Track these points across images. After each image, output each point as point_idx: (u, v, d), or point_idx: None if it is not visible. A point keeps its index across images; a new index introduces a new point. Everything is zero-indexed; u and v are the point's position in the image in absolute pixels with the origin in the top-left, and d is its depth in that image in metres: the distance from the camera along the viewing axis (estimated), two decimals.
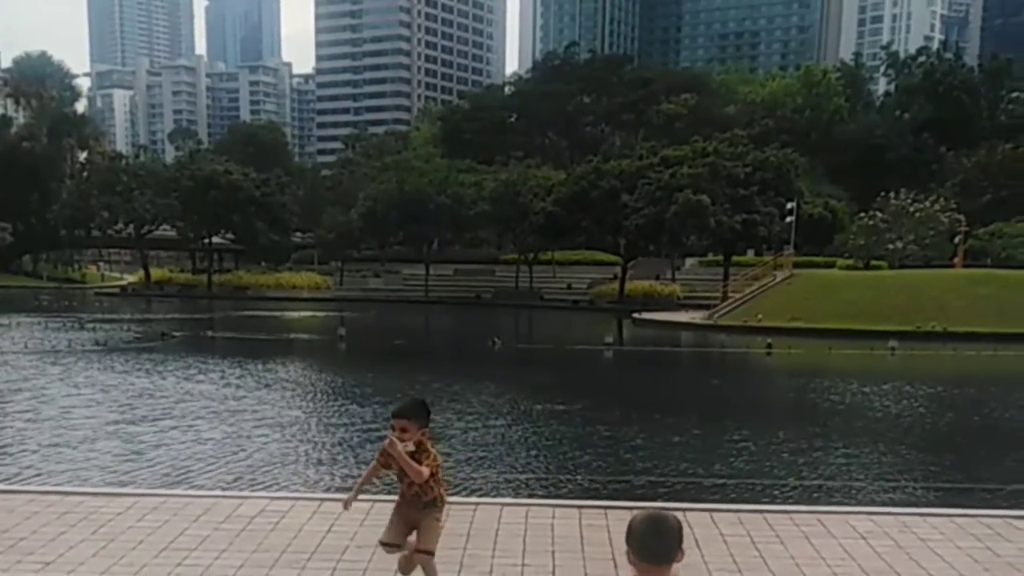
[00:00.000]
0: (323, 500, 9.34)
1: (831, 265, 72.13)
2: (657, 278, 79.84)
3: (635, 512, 3.58)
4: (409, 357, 39.14)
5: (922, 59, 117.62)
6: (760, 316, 51.67)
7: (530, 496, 12.28)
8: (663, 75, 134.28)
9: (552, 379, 30.57)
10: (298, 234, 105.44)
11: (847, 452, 17.33)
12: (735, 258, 75.81)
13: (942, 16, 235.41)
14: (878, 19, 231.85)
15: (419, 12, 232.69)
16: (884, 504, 12.03)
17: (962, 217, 67.16)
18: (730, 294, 62.66)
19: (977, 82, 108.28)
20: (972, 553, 7.52)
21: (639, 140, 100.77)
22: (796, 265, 62.46)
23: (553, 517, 8.47)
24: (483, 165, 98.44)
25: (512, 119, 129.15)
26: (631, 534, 3.42)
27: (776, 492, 13.49)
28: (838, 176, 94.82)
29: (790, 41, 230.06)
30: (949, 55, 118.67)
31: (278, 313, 64.58)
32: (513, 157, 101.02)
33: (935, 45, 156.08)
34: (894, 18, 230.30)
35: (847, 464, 16.24)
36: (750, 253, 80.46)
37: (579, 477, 14.41)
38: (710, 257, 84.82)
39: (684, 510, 8.67)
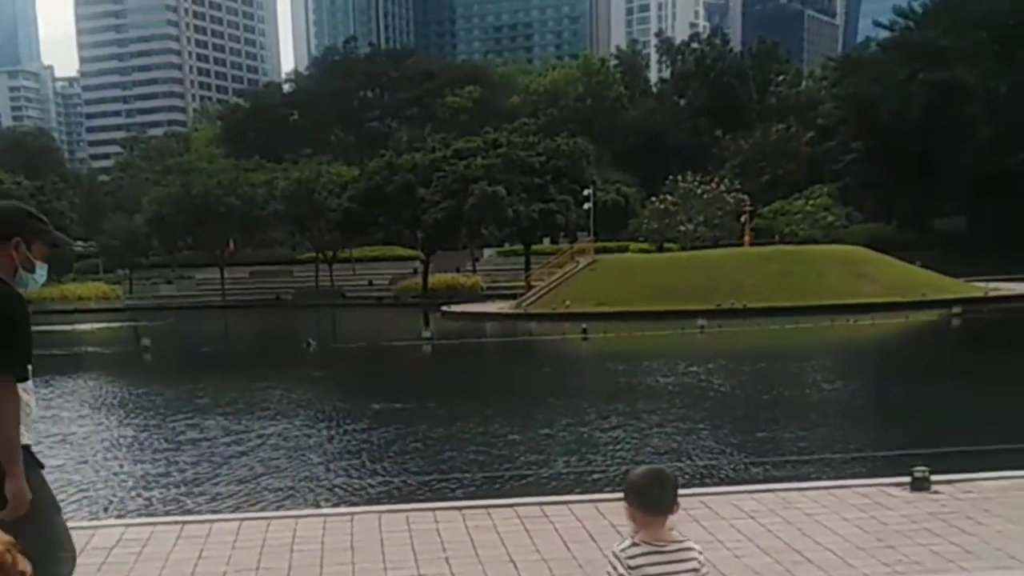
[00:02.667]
0: (185, 523, 8.53)
1: (625, 249, 73.98)
2: (458, 270, 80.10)
3: (631, 471, 3.78)
4: (227, 364, 37.72)
5: (694, 46, 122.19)
6: (568, 302, 52.37)
7: (409, 501, 11.78)
8: (445, 68, 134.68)
9: (380, 377, 30.03)
10: (80, 243, 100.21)
11: (716, 432, 17.51)
12: (533, 247, 76.78)
13: (705, 3, 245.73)
14: (645, 7, 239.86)
15: (186, 11, 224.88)
16: (758, 481, 12.13)
17: (746, 197, 70.26)
18: (533, 283, 63.34)
19: (746, 67, 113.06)
20: (860, 524, 7.61)
21: (427, 134, 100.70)
22: (595, 251, 63.75)
23: (436, 521, 8.13)
24: (272, 163, 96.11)
25: (295, 117, 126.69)
26: (632, 490, 3.64)
27: None
28: (623, 162, 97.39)
29: (563, 31, 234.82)
30: (718, 41, 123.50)
31: (67, 327, 60.91)
32: (302, 155, 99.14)
33: (700, 31, 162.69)
34: (660, 6, 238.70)
35: (719, 445, 16.46)
36: (546, 241, 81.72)
37: (458, 476, 14.01)
38: (507, 247, 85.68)
39: (572, 502, 8.69)
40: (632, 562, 3.57)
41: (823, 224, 68.74)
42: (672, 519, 3.66)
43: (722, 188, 71.58)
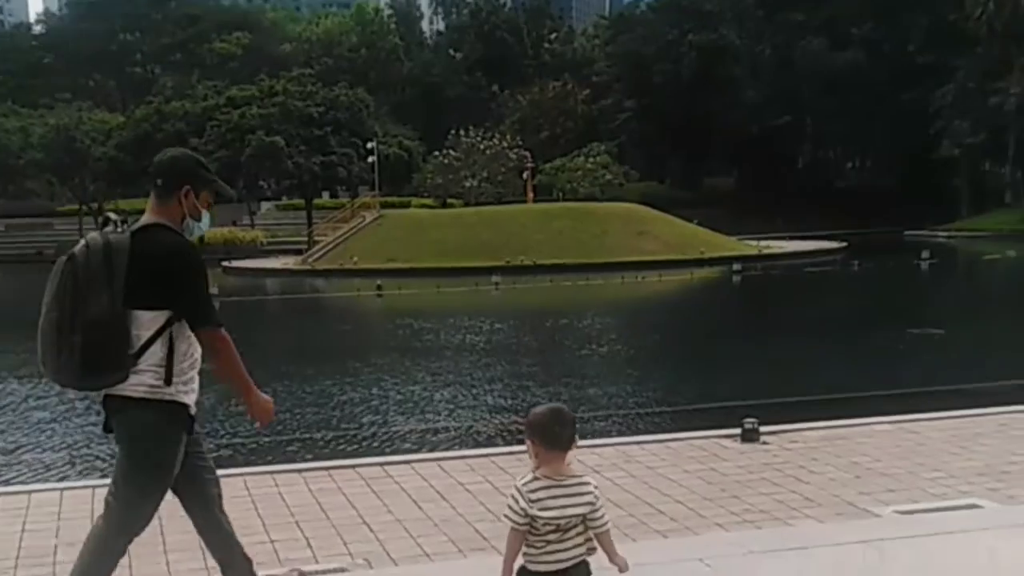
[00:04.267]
0: None
1: (407, 205, 73.41)
2: (234, 224, 77.16)
3: (535, 409, 3.93)
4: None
5: None
6: (355, 258, 51.46)
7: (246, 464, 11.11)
8: (211, 13, 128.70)
9: None
10: None
11: (546, 388, 17.44)
12: (314, 201, 75.08)
13: None
14: None
15: None
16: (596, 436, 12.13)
17: (528, 153, 70.93)
18: (318, 238, 62.01)
19: (519, 22, 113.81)
20: (701, 475, 7.83)
21: (195, 81, 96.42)
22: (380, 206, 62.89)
23: (276, 484, 7.87)
24: (27, 109, 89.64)
25: (49, 60, 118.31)
26: (535, 427, 3.82)
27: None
28: (402, 115, 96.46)
29: None
30: None
31: None
32: (59, 101, 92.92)
33: None
34: None
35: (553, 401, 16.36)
36: (326, 196, 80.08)
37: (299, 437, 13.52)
38: (286, 201, 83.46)
39: (415, 462, 8.67)
40: (533, 496, 3.73)
41: (602, 182, 70.37)
42: (570, 455, 3.83)
43: (504, 144, 71.98)
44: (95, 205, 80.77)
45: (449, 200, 70.35)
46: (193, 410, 4.61)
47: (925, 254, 46.68)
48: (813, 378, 17.12)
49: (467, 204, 67.61)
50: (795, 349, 21.53)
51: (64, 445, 13.60)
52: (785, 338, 23.38)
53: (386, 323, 33.01)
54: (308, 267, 54.24)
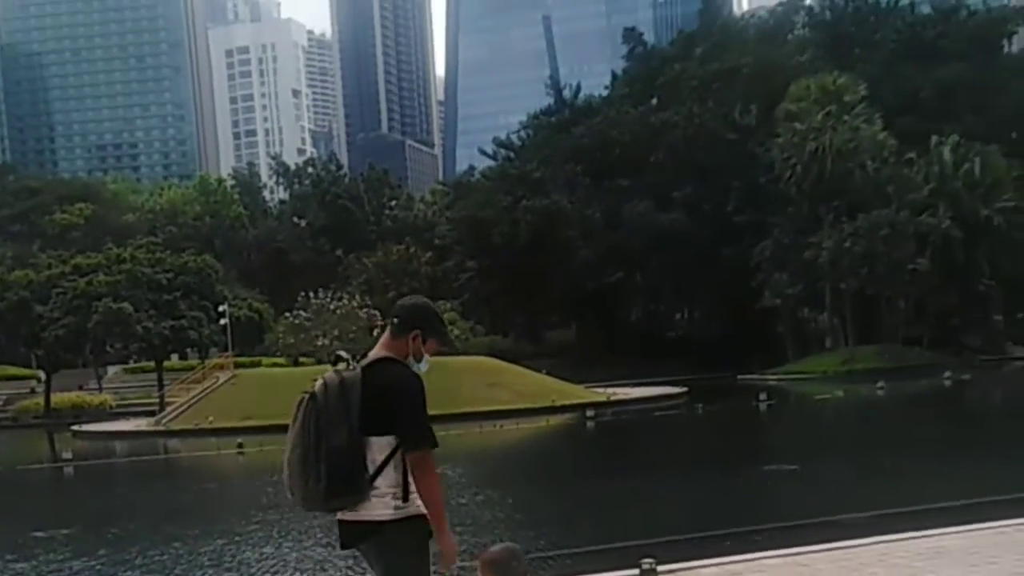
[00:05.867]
0: None
1: (258, 364, 74.35)
2: (81, 388, 76.43)
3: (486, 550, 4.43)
4: None
5: (310, 170, 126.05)
6: (211, 417, 51.79)
7: None
8: (51, 185, 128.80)
9: (32, 506, 28.61)
10: None
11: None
12: (165, 364, 75.24)
13: (311, 131, 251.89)
14: (252, 132, 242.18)
15: None
16: None
17: (378, 312, 73.11)
18: (169, 399, 62.26)
19: (360, 191, 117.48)
20: None
21: (36, 250, 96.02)
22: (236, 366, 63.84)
23: None
24: None
25: None
26: (494, 564, 4.32)
27: None
28: (249, 279, 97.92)
29: (170, 152, 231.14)
30: (333, 167, 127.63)
31: None
32: None
33: (311, 156, 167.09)
34: (267, 132, 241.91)
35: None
36: (175, 358, 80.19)
37: None
38: (134, 364, 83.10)
39: None
40: None
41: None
42: None
43: (354, 304, 74.06)
44: None
45: (301, 359, 71.54)
46: None
47: (763, 396, 49.71)
48: (695, 516, 17.96)
49: (320, 362, 68.90)
50: (669, 489, 22.76)
51: None
52: (656, 479, 24.43)
53: (254, 480, 32.31)
54: (162, 428, 54.46)
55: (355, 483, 4.86)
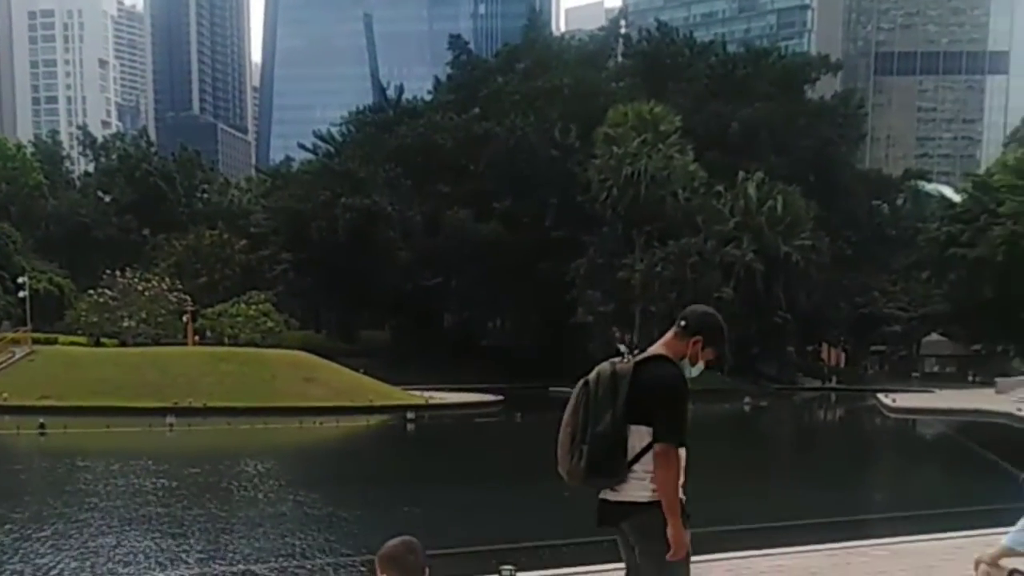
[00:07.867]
0: None
1: (54, 341, 70.87)
2: None
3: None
4: None
5: (118, 144, 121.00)
6: (5, 395, 49.32)
7: None
8: None
9: None
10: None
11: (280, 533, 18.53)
12: None
13: (117, 104, 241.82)
14: (53, 99, 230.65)
15: None
16: None
17: (188, 297, 71.27)
18: None
19: (172, 170, 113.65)
20: None
21: None
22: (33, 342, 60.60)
23: None
24: None
25: None
26: (390, 559, 4.31)
27: None
28: (47, 252, 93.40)
29: None
30: (144, 143, 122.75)
31: None
32: None
33: (117, 130, 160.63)
34: (69, 100, 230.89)
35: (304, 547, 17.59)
36: None
37: None
38: None
39: None
40: None
41: (263, 328, 71.55)
42: None
43: (164, 287, 71.87)
44: None
45: (103, 339, 68.79)
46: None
47: None
48: (546, 521, 18.03)
49: (123, 344, 66.51)
50: (504, 495, 23.11)
51: None
52: (489, 484, 24.95)
53: (57, 465, 31.30)
54: None
55: (613, 466, 5.26)
